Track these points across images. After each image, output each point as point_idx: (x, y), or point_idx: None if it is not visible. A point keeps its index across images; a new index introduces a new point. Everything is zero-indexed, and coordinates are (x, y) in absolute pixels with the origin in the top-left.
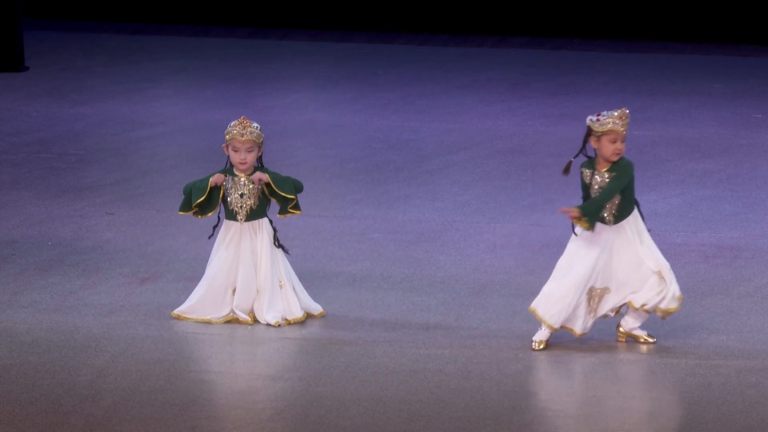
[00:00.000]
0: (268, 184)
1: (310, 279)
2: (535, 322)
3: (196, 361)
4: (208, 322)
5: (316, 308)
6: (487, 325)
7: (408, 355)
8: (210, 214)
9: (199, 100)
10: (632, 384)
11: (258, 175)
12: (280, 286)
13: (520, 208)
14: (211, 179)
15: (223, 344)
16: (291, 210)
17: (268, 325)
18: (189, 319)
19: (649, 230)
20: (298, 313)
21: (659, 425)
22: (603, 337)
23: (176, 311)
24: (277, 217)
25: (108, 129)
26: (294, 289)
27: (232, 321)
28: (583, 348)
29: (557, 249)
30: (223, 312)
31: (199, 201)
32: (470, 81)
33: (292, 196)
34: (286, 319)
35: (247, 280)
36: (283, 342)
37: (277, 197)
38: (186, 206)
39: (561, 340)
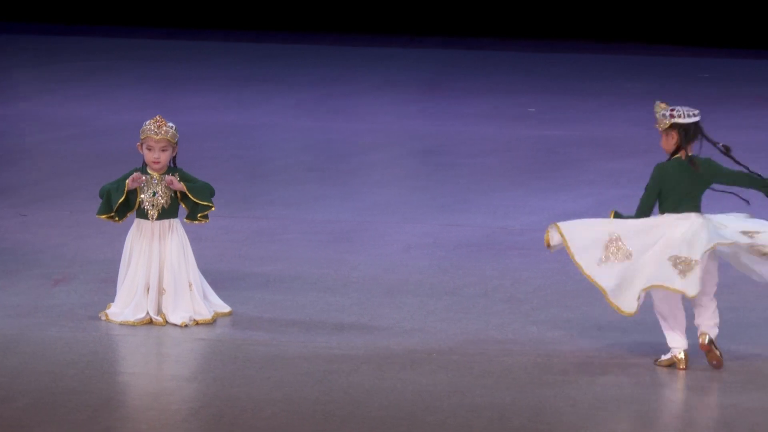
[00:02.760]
0: (183, 192)
1: (223, 279)
2: (450, 322)
3: (110, 363)
4: (132, 324)
5: (224, 307)
6: (402, 324)
7: (322, 355)
8: (127, 216)
9: (112, 101)
10: (544, 384)
11: (171, 180)
12: (190, 287)
13: (435, 209)
14: (127, 181)
15: (137, 345)
16: (200, 218)
17: (175, 325)
18: (115, 322)
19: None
20: (207, 315)
21: (572, 424)
22: (518, 337)
23: (107, 313)
24: (184, 221)
25: (21, 131)
26: (203, 290)
27: (149, 322)
28: (496, 349)
29: (471, 249)
30: (141, 313)
31: (120, 202)
32: (384, 81)
33: (210, 204)
34: (194, 320)
35: (156, 280)
36: (197, 343)
37: (188, 204)
38: (105, 209)
39: (476, 342)
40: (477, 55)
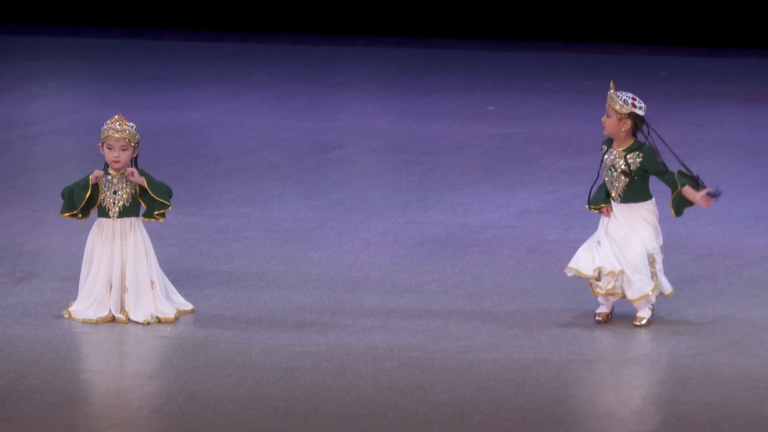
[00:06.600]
0: (142, 187)
1: (185, 278)
2: (411, 319)
3: (73, 360)
4: (94, 322)
5: (186, 305)
6: (362, 322)
7: (284, 352)
8: (90, 213)
9: (74, 100)
10: (505, 380)
11: (132, 171)
12: (152, 286)
13: (395, 206)
14: (90, 176)
15: (100, 343)
16: (157, 215)
17: (138, 323)
18: (78, 319)
19: None
20: (169, 313)
21: (533, 420)
22: (479, 334)
23: (69, 311)
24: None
25: None
26: (165, 288)
27: (111, 320)
28: (457, 345)
29: (431, 246)
30: (104, 311)
31: (86, 199)
32: (344, 80)
33: (167, 203)
34: (157, 318)
35: (118, 278)
36: (159, 340)
37: (146, 200)
38: (68, 207)
39: (437, 338)
40: (436, 53)
